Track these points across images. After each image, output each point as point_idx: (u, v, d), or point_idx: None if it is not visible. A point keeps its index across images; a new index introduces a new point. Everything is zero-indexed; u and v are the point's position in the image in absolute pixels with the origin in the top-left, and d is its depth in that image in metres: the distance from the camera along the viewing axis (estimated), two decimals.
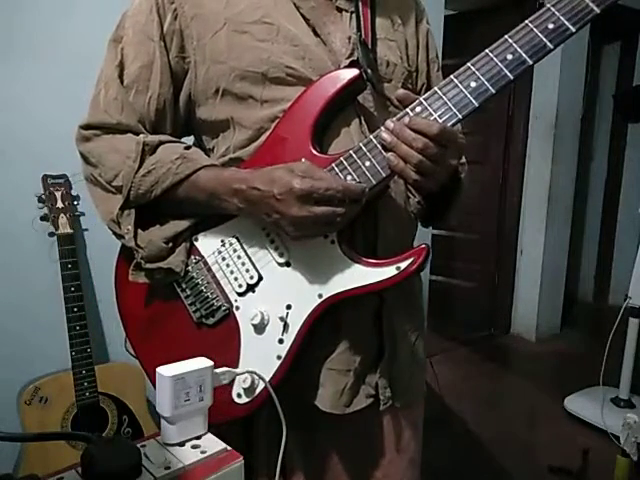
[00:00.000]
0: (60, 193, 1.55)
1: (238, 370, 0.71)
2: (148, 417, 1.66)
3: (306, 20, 0.76)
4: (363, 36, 0.77)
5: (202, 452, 0.55)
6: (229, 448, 0.56)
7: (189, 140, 0.87)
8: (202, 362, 0.59)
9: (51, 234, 1.55)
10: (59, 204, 1.54)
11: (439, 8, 2.50)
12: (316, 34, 0.76)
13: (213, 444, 0.57)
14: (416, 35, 0.88)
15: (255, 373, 0.71)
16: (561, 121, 3.23)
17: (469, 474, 2.06)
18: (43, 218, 1.55)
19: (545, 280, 3.39)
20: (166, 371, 0.55)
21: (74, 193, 1.56)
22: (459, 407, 2.54)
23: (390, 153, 0.68)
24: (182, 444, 0.57)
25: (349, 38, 0.78)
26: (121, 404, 1.62)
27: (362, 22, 0.79)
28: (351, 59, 0.76)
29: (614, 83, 4.01)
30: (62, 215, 1.54)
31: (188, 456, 0.54)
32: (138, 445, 0.53)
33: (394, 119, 0.69)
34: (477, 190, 3.51)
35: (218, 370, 0.62)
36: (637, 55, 3.82)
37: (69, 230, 1.53)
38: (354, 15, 0.79)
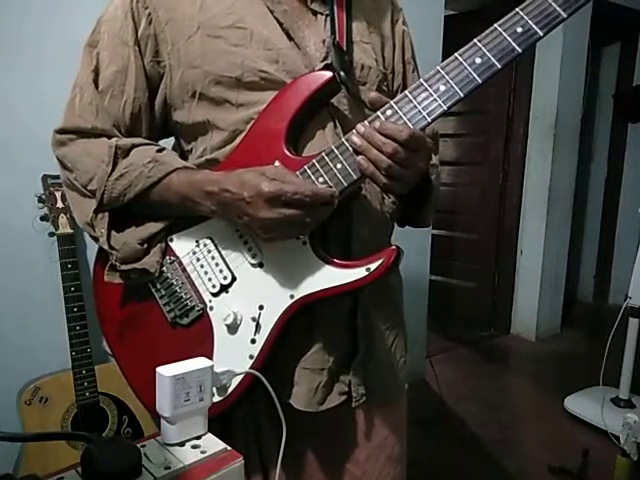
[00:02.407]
0: (60, 193, 1.55)
1: (238, 370, 0.71)
2: (148, 417, 1.66)
3: (280, 24, 0.76)
4: (337, 39, 0.77)
5: (202, 452, 0.55)
6: (229, 448, 0.56)
7: (169, 142, 0.87)
8: (202, 362, 0.59)
9: (51, 234, 1.55)
10: (59, 204, 1.54)
11: (439, 8, 2.50)
12: (290, 38, 0.76)
13: (213, 444, 0.57)
14: (392, 36, 0.88)
15: (255, 373, 0.72)
16: (561, 121, 3.23)
17: (469, 474, 2.06)
18: (43, 218, 1.55)
19: (545, 280, 3.39)
20: (166, 371, 0.55)
21: None
22: (459, 407, 2.54)
23: (361, 156, 0.69)
24: (182, 444, 0.57)
25: (323, 41, 0.78)
26: (121, 404, 1.62)
27: (337, 25, 0.79)
28: (325, 62, 0.76)
29: (614, 83, 4.01)
30: (62, 215, 1.54)
31: (188, 456, 0.54)
32: (138, 445, 0.53)
33: (365, 123, 0.70)
34: (477, 190, 3.52)
35: (218, 370, 0.62)
36: (637, 55, 3.82)
37: (69, 230, 1.53)
38: (329, 18, 0.79)
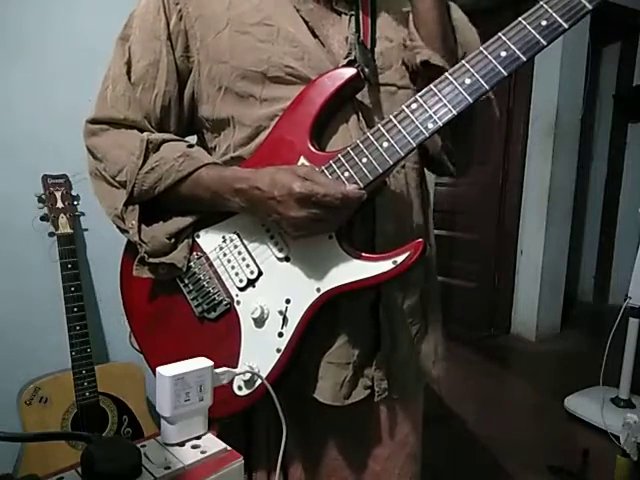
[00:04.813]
0: (60, 193, 1.55)
1: (237, 370, 0.71)
2: (148, 417, 1.66)
3: (305, 22, 0.78)
4: (362, 34, 0.78)
5: (202, 452, 0.55)
6: (229, 448, 0.56)
7: (192, 140, 0.88)
8: (202, 362, 0.59)
9: (51, 234, 1.55)
10: (59, 204, 1.54)
11: None
12: (315, 36, 0.78)
13: (213, 444, 0.57)
14: None
15: (255, 373, 0.72)
16: (561, 121, 3.23)
17: (469, 474, 2.06)
18: (43, 218, 1.55)
19: (545, 280, 3.39)
20: (166, 371, 0.55)
21: (74, 193, 1.57)
22: (459, 407, 2.53)
23: None
24: (182, 444, 0.57)
25: (346, 39, 0.79)
26: (121, 404, 1.62)
27: (361, 25, 0.80)
28: (349, 59, 0.77)
29: (614, 83, 4.01)
30: (62, 215, 1.54)
31: (188, 456, 0.54)
32: (138, 445, 0.53)
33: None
34: (477, 190, 3.52)
35: (218, 370, 0.62)
36: (637, 55, 3.82)
37: (69, 230, 1.53)
38: (353, 18, 0.80)
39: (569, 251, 3.55)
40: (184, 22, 0.79)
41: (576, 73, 3.26)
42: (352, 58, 0.77)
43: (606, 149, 4.12)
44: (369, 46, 0.79)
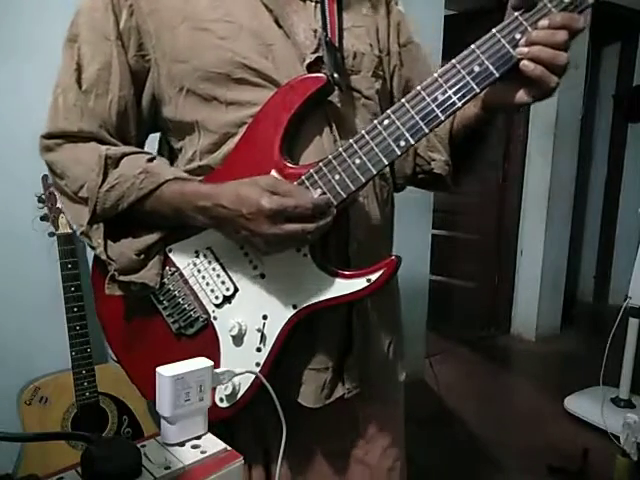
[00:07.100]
0: None
1: (237, 370, 0.71)
2: (148, 417, 1.66)
3: (269, 11, 0.74)
4: (330, 36, 0.75)
5: (202, 452, 0.55)
6: (229, 448, 0.56)
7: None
8: (202, 362, 0.59)
9: (51, 234, 1.55)
10: (59, 204, 1.54)
11: (439, 8, 2.50)
12: (279, 26, 0.74)
13: (213, 444, 0.57)
14: (387, 18, 0.86)
15: (255, 373, 0.72)
16: (561, 121, 3.23)
17: (469, 474, 2.06)
18: (43, 218, 1.55)
19: (545, 280, 3.39)
20: (166, 371, 0.55)
21: None
22: (459, 407, 2.54)
23: (525, 61, 0.63)
24: (182, 444, 0.57)
25: (315, 31, 0.76)
26: (121, 404, 1.62)
27: (327, 13, 0.76)
28: (316, 55, 0.74)
29: (614, 83, 4.01)
30: (62, 215, 1.53)
31: (188, 456, 0.54)
32: (138, 445, 0.53)
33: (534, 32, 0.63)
34: (477, 190, 3.52)
35: (218, 370, 0.62)
36: (637, 55, 3.82)
37: (69, 230, 1.53)
38: (319, 6, 0.76)
39: (569, 251, 3.55)
40: (135, 18, 0.73)
41: (576, 73, 3.26)
42: (320, 54, 0.74)
43: (606, 149, 4.12)
44: (336, 39, 0.76)
